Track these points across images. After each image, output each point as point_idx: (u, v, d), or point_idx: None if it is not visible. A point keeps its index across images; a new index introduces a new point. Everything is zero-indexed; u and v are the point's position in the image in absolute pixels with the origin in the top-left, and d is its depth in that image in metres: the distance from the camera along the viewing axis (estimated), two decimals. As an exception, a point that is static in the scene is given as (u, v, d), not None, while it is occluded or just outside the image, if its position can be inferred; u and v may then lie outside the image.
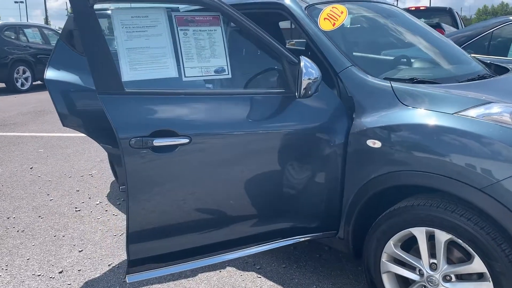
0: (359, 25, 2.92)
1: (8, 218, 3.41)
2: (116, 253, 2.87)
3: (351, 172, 2.16)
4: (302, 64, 1.92)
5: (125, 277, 2.00)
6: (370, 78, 2.19)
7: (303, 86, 1.91)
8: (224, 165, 1.98)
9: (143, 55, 1.88)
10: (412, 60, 2.74)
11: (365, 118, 2.10)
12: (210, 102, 1.97)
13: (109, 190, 3.98)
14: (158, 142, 1.82)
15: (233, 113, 1.99)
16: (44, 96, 10.40)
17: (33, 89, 11.39)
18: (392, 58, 2.73)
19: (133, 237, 1.92)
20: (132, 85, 1.85)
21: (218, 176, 1.97)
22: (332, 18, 2.54)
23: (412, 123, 1.93)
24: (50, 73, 2.73)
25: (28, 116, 7.65)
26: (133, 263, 1.93)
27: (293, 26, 2.66)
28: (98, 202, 3.70)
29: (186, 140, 1.87)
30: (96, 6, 1.76)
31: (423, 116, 1.94)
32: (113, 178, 4.27)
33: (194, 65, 1.97)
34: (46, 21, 56.81)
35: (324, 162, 2.19)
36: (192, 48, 1.97)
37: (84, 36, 1.76)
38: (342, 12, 2.63)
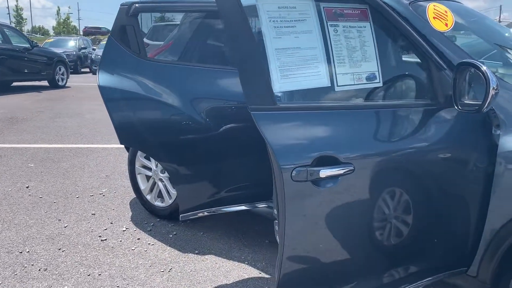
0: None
1: (21, 252, 2.81)
2: (175, 295, 2.39)
3: (499, 199, 1.82)
4: (483, 69, 1.54)
5: None
6: None
7: (489, 98, 1.54)
8: (383, 197, 1.59)
9: (294, 58, 1.45)
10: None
11: None
12: (364, 117, 1.57)
13: (131, 213, 3.45)
14: (324, 173, 1.40)
15: (389, 130, 1.60)
16: (8, 101, 9.48)
17: (-7, 93, 10.38)
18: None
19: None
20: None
21: (375, 210, 1.58)
22: (441, 18, 2.21)
23: None
24: (104, 79, 2.21)
25: (0, 124, 6.83)
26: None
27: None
28: (124, 228, 3.17)
29: (350, 168, 1.46)
30: None
31: None
32: (130, 197, 3.73)
33: (346, 71, 1.56)
34: (-10, 20, 53.35)
35: (462, 188, 1.84)
36: (343, 49, 1.56)
37: (232, 34, 1.32)
38: (446, 11, 2.30)
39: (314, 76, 1.49)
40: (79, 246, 2.90)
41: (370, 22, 1.66)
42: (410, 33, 1.68)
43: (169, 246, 2.93)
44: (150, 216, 3.37)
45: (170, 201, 3.22)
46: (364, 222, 1.60)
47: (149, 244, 2.95)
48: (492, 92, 1.52)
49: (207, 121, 2.35)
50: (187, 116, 2.29)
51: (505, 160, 1.79)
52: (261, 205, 2.64)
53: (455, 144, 1.78)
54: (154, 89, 2.27)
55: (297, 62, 1.46)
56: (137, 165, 3.43)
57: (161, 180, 3.26)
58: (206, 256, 2.80)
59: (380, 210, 1.61)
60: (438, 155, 1.73)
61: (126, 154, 5.09)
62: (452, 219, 1.87)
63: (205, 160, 2.45)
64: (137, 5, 2.29)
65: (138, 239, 3.02)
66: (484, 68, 1.55)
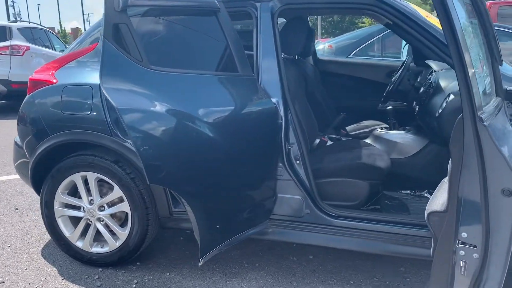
0: None
1: None
2: None
3: None
4: None
5: None
6: None
7: None
8: None
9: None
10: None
11: None
12: None
13: (55, 269, 2.65)
14: None
15: None
16: None
17: None
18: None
19: None
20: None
21: None
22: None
23: None
24: (117, 98, 1.56)
25: None
26: None
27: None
28: (64, 291, 2.42)
29: None
30: None
31: None
32: (37, 248, 2.87)
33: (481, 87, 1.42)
34: None
35: None
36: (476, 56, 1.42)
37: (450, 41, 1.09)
38: (427, 15, 2.42)
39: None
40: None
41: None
42: None
43: (142, 299, 2.37)
44: (86, 267, 2.66)
45: (118, 243, 2.60)
46: None
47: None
48: None
49: (227, 137, 1.96)
50: (212, 136, 1.84)
51: None
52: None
53: None
54: (172, 108, 1.72)
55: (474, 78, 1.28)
56: (56, 206, 2.66)
57: (99, 219, 2.60)
58: (197, 300, 2.36)
59: None
60: None
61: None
62: None
63: (228, 185, 2.04)
64: (121, -4, 1.67)
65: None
66: None
